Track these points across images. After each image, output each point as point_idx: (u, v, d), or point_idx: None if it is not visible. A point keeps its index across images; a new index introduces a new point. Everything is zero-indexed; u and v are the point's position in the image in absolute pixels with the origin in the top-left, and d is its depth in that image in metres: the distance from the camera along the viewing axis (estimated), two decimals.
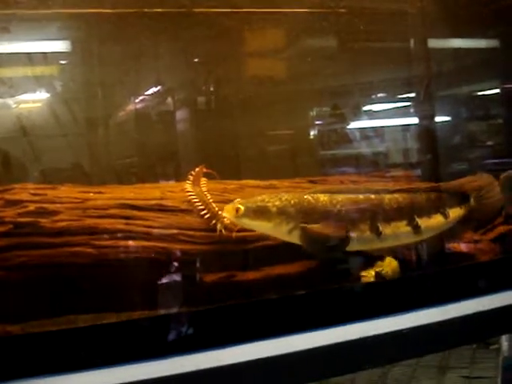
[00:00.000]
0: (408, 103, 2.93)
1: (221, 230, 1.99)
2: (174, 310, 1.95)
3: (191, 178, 2.09)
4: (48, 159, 2.12)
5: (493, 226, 2.43)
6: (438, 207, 2.20)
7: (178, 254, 1.96)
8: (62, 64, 2.26)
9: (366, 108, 2.81)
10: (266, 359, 1.72)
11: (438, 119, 2.85)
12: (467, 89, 3.01)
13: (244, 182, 2.20)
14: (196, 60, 2.46)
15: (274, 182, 2.26)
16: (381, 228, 2.04)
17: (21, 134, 2.11)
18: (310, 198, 2.00)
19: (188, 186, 2.07)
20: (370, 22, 2.54)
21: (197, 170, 2.11)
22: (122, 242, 1.90)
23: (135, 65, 2.34)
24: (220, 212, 2.00)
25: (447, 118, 2.97)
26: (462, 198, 2.29)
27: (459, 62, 2.82)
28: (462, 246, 2.30)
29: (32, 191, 1.93)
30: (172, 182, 2.18)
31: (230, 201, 2.10)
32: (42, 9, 2.13)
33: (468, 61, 2.86)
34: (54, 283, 1.83)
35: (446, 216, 2.20)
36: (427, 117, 2.80)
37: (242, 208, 1.90)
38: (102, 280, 1.87)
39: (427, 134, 2.77)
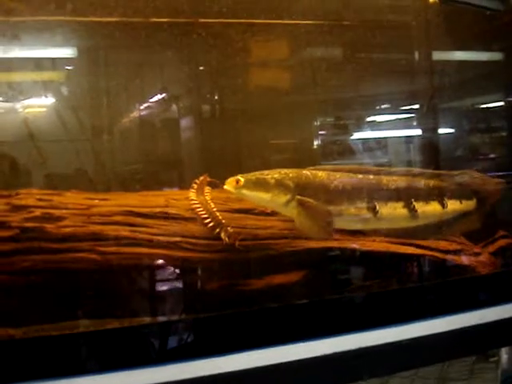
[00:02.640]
0: (411, 115, 2.94)
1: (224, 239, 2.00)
2: (175, 317, 1.96)
3: (195, 186, 2.11)
4: (52, 165, 2.14)
5: (493, 240, 2.45)
6: (437, 195, 2.25)
7: (181, 261, 1.98)
8: (66, 70, 2.27)
9: (367, 120, 2.82)
10: (265, 367, 1.74)
11: (441, 131, 2.86)
12: (470, 101, 3.02)
13: None
14: (198, 69, 2.48)
15: None
16: (378, 207, 2.08)
17: (25, 139, 2.12)
18: (308, 172, 2.07)
19: (192, 194, 2.09)
20: (372, 34, 2.55)
21: (201, 178, 2.13)
22: (126, 249, 1.91)
23: (139, 73, 2.36)
24: (224, 221, 2.02)
25: (450, 130, 2.98)
26: (464, 193, 2.35)
27: (462, 74, 2.84)
28: (463, 259, 2.31)
29: (38, 197, 1.95)
30: (176, 190, 2.19)
31: (233, 210, 2.14)
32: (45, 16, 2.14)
33: (470, 74, 2.88)
34: (57, 288, 1.85)
35: (443, 205, 2.25)
36: (430, 129, 2.81)
37: (242, 180, 1.97)
38: (105, 286, 1.89)
39: (430, 145, 2.78)
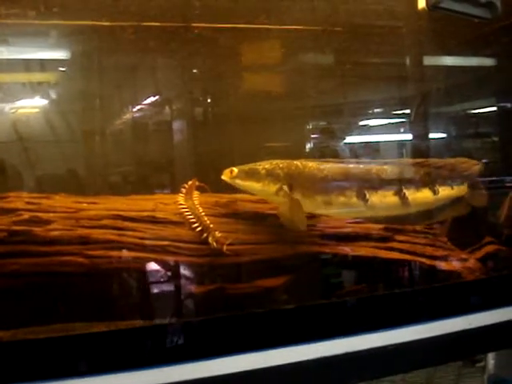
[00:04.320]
0: (399, 121, 2.96)
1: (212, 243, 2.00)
2: (163, 321, 1.96)
3: (184, 190, 2.12)
4: (41, 168, 2.14)
5: (480, 246, 2.46)
6: (427, 182, 2.29)
7: (169, 265, 1.99)
8: (54, 74, 2.27)
9: (356, 125, 2.83)
10: (253, 372, 1.74)
11: (430, 137, 2.87)
12: (459, 107, 3.04)
13: (236, 195, 2.22)
14: (186, 73, 2.48)
15: None
16: (368, 195, 2.12)
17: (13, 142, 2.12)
18: (298, 163, 2.14)
19: (180, 198, 2.09)
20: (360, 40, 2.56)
21: (189, 183, 2.14)
22: (114, 253, 1.92)
23: (128, 77, 2.36)
24: (211, 225, 2.03)
25: (439, 136, 3.00)
26: (456, 179, 2.39)
27: (450, 80, 2.85)
28: (449, 264, 2.32)
29: (27, 200, 1.95)
30: (165, 194, 2.19)
31: (221, 214, 2.14)
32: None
33: (459, 80, 2.90)
34: (45, 291, 1.85)
35: (434, 192, 2.29)
36: (419, 135, 2.83)
37: (236, 170, 2.09)
38: (93, 289, 1.89)
39: (418, 152, 2.79)
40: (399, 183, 2.22)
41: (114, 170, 2.27)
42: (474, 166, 2.49)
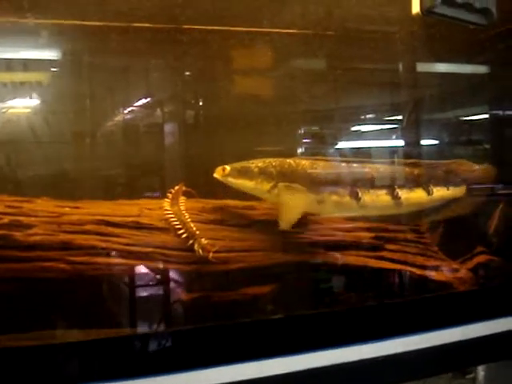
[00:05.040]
0: (391, 128, 2.92)
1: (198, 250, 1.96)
2: (145, 329, 1.91)
3: (170, 196, 2.07)
4: (25, 171, 2.08)
5: (471, 256, 2.42)
6: (421, 182, 2.27)
7: (154, 272, 1.94)
8: (38, 76, 2.22)
9: (348, 131, 2.79)
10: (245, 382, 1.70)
11: (421, 143, 2.83)
12: (451, 114, 3.01)
13: (223, 201, 2.18)
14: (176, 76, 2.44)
15: (254, 203, 2.23)
16: (360, 194, 2.10)
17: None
18: (291, 161, 2.13)
19: (166, 204, 2.04)
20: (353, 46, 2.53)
21: (176, 188, 2.09)
22: (96, 259, 1.86)
23: (116, 78, 2.31)
24: (197, 232, 1.98)
25: (431, 142, 2.96)
26: (452, 180, 2.38)
27: (442, 87, 2.82)
28: (440, 275, 2.28)
29: (7, 203, 1.90)
30: (151, 199, 2.13)
31: (208, 220, 2.09)
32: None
33: (451, 86, 2.87)
34: (25, 298, 1.79)
35: (428, 192, 2.27)
36: (411, 142, 2.79)
37: (228, 168, 2.07)
38: (75, 296, 1.84)
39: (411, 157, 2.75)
40: (392, 182, 2.21)
41: (97, 173, 2.20)
42: (473, 169, 2.48)
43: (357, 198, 2.12)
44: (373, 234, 2.26)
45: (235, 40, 2.42)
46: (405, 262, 2.25)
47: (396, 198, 2.20)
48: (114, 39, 2.15)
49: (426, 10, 2.01)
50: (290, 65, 2.67)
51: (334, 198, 2.11)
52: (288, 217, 2.09)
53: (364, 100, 2.75)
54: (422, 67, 2.72)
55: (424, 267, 2.26)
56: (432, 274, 2.26)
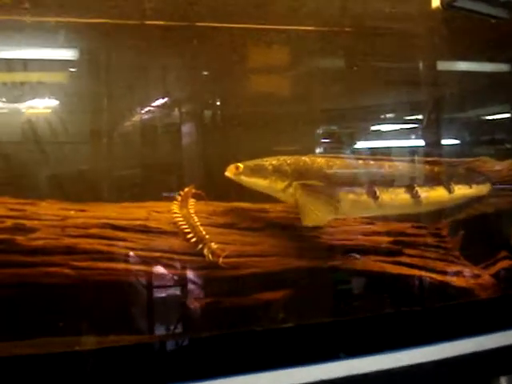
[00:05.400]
0: (410, 126, 2.82)
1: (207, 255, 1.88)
2: (152, 337, 1.85)
3: (179, 198, 1.99)
4: (29, 172, 2.03)
5: (494, 261, 2.32)
6: (442, 180, 2.20)
7: (160, 278, 1.86)
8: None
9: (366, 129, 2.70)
10: None
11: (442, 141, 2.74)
12: (471, 113, 2.91)
13: (234, 204, 2.10)
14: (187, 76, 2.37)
15: (267, 205, 2.16)
16: (378, 192, 2.03)
17: None
18: (306, 159, 2.06)
19: (175, 206, 1.97)
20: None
21: (186, 190, 2.01)
22: (102, 264, 1.80)
23: (128, 79, 2.25)
24: (207, 236, 1.91)
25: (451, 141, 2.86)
26: (475, 178, 2.30)
27: (462, 86, 2.73)
28: (461, 281, 2.18)
29: (10, 206, 1.84)
30: (159, 202, 2.05)
31: (218, 224, 2.02)
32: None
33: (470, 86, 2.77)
34: (28, 304, 1.73)
35: (449, 190, 2.20)
36: (431, 140, 2.69)
37: (241, 166, 2.01)
38: (79, 302, 1.77)
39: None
40: (411, 181, 2.14)
41: (105, 174, 2.13)
42: (498, 166, 2.39)
43: (374, 196, 2.05)
44: (391, 239, 2.17)
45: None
46: (424, 268, 2.15)
47: (415, 196, 2.12)
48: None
49: (447, 4, 1.92)
50: (307, 63, 2.59)
51: (351, 196, 2.05)
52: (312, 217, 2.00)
53: (383, 98, 2.65)
54: (442, 65, 2.62)
55: (443, 273, 2.16)
56: (452, 280, 2.15)
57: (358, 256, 2.08)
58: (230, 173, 2.03)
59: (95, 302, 1.79)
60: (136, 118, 2.30)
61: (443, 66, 2.65)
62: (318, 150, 2.48)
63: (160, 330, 1.90)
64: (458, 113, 2.78)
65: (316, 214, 1.99)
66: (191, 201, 2.00)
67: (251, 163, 2.05)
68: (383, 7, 2.30)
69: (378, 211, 2.12)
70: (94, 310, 1.78)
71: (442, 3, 1.94)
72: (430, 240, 2.25)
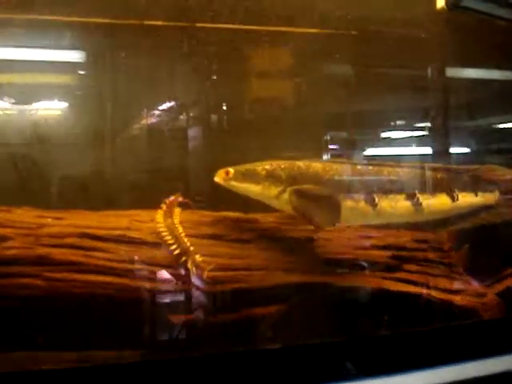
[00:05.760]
0: (411, 134, 2.70)
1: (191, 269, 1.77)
2: (129, 354, 1.73)
3: (164, 206, 1.88)
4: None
5: (500, 278, 2.19)
6: (445, 187, 2.10)
7: (140, 292, 1.75)
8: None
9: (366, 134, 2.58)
10: None
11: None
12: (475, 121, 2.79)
13: (223, 214, 1.99)
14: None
15: (257, 215, 2.04)
16: (377, 199, 1.93)
17: None
18: (301, 164, 1.96)
19: (159, 216, 1.86)
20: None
21: (171, 198, 1.90)
22: (77, 276, 1.69)
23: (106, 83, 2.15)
24: (191, 248, 1.79)
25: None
26: (481, 185, 2.19)
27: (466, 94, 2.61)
28: (464, 300, 2.05)
29: None
30: (142, 211, 1.94)
31: (205, 235, 1.91)
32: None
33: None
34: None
35: (453, 198, 2.09)
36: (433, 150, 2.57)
37: (232, 171, 1.91)
38: (52, 315, 1.66)
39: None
40: (412, 187, 2.04)
41: (87, 180, 2.03)
42: (507, 175, 2.28)
43: (373, 203, 1.94)
44: (389, 253, 2.05)
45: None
46: (425, 285, 2.02)
47: (416, 204, 2.01)
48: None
49: (452, 4, 1.80)
50: (305, 67, 2.47)
51: (349, 203, 1.93)
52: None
53: (385, 103, 2.54)
54: (444, 69, 2.50)
55: (446, 291, 2.04)
56: (454, 299, 2.02)
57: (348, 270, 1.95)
58: (219, 178, 1.94)
59: (69, 316, 1.67)
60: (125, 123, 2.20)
61: (444, 70, 2.53)
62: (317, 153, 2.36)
63: (137, 347, 1.77)
64: (463, 120, 2.66)
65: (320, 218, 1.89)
66: (177, 210, 1.89)
67: (242, 168, 1.95)
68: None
69: (376, 219, 2.01)
70: (68, 325, 1.67)
71: (446, 3, 1.82)
72: (431, 255, 2.12)
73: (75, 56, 2.11)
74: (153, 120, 2.21)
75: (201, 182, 2.14)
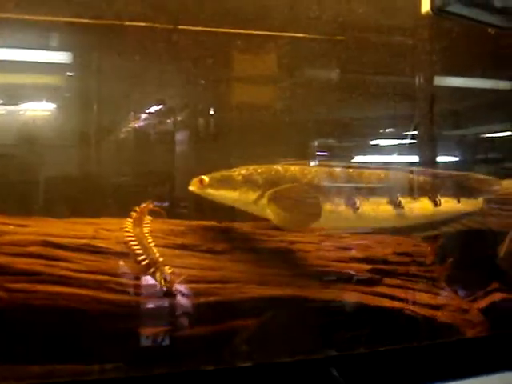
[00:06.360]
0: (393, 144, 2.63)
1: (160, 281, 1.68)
2: (96, 368, 1.64)
3: (134, 215, 1.79)
4: None
5: (485, 293, 2.12)
6: (427, 192, 2.07)
7: (106, 304, 1.66)
8: None
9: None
10: None
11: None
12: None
13: (196, 223, 1.91)
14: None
15: (235, 224, 1.97)
16: (358, 203, 1.89)
17: None
18: (278, 167, 1.92)
19: (128, 224, 1.77)
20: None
21: (142, 205, 1.82)
22: (39, 287, 1.60)
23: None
24: (161, 259, 1.71)
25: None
26: (465, 192, 2.16)
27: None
28: (446, 315, 1.97)
29: None
30: (111, 218, 1.86)
31: (176, 245, 1.83)
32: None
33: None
34: None
35: (435, 203, 2.07)
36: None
37: (207, 179, 1.87)
38: (10, 328, 1.57)
39: None
40: (395, 191, 2.00)
41: (51, 186, 1.94)
42: (491, 183, 2.23)
43: (354, 207, 1.90)
44: (369, 266, 1.97)
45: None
46: (405, 300, 1.95)
47: (398, 207, 1.97)
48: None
49: (437, 9, 1.72)
50: (290, 72, 2.40)
51: (328, 206, 1.88)
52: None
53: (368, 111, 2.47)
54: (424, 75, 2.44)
55: (427, 306, 1.96)
56: (436, 315, 1.95)
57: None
58: (194, 187, 1.88)
59: (31, 329, 1.59)
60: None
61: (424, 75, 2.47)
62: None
63: (107, 362, 1.69)
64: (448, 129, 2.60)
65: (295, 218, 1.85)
66: (147, 218, 1.80)
67: (218, 174, 1.89)
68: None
69: (357, 223, 1.97)
70: (30, 337, 1.58)
71: (432, 8, 1.75)
72: (413, 269, 2.05)
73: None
74: (134, 124, 2.13)
75: (182, 189, 2.05)
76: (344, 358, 1.76)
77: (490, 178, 2.26)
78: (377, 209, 1.95)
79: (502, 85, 2.64)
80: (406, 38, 2.27)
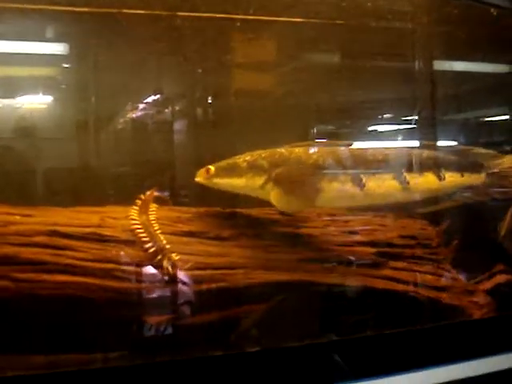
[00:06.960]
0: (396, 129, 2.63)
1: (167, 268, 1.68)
2: (101, 357, 1.65)
3: (139, 202, 1.79)
4: None
5: (490, 275, 2.12)
6: (431, 167, 2.07)
7: (113, 292, 1.66)
8: None
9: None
10: None
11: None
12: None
13: (202, 210, 1.90)
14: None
15: (242, 210, 1.97)
16: (364, 180, 1.90)
17: None
18: (283, 150, 1.92)
19: (134, 212, 1.77)
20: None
21: (147, 193, 1.81)
22: (46, 276, 1.59)
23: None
24: (168, 246, 1.71)
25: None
26: (468, 166, 2.17)
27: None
28: (451, 297, 1.98)
29: None
30: (116, 206, 1.85)
31: (182, 232, 1.82)
32: None
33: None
34: None
35: (440, 178, 2.07)
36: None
37: (213, 168, 1.87)
38: (19, 318, 1.57)
39: None
40: (399, 167, 2.00)
41: (56, 174, 1.94)
42: (494, 156, 2.25)
43: (360, 184, 1.90)
44: (375, 250, 1.97)
45: None
46: (411, 283, 1.95)
47: (404, 182, 1.98)
48: None
49: None
50: (290, 56, 2.39)
51: (335, 185, 1.89)
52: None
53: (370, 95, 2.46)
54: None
55: (433, 288, 1.97)
56: (441, 297, 1.95)
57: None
58: (200, 178, 1.89)
59: (38, 318, 1.59)
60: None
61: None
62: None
63: (109, 350, 1.69)
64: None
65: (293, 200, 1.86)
66: (153, 206, 1.80)
67: (223, 163, 1.89)
68: None
69: (364, 200, 1.97)
70: (36, 327, 1.58)
71: None
72: (418, 251, 2.05)
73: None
74: (133, 113, 2.12)
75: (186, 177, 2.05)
76: (351, 342, 1.76)
77: (492, 151, 2.26)
78: (382, 184, 1.95)
79: None
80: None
